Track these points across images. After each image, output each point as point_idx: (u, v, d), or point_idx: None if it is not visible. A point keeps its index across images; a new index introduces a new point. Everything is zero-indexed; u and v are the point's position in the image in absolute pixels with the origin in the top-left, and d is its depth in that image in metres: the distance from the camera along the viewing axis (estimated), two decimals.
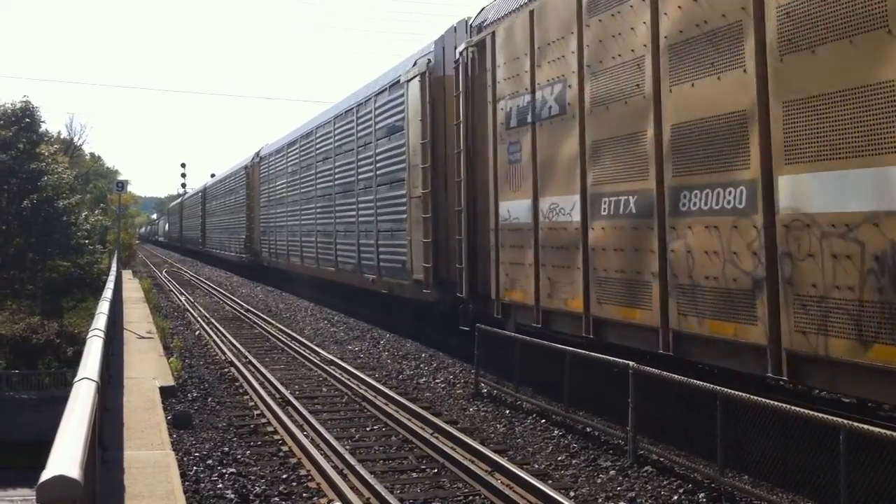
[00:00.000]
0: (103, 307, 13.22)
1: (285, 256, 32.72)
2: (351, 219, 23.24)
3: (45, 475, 3.58)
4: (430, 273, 16.96)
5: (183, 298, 32.02)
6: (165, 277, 45.22)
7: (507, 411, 12.20)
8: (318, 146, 27.70)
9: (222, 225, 51.11)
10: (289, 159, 32.34)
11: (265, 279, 38.77)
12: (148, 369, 14.51)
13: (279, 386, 13.98)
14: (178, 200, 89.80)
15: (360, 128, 22.56)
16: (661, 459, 9.26)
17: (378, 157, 20.77)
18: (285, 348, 18.99)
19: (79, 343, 26.58)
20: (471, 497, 8.52)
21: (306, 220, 29.03)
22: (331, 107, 27.44)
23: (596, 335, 11.36)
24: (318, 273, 27.91)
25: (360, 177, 22.40)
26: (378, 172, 20.77)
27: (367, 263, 21.83)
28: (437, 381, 14.68)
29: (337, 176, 25.00)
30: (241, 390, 14.38)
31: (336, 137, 25.14)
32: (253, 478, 9.23)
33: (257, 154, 40.34)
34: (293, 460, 10.01)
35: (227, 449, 10.41)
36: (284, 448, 10.58)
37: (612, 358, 10.34)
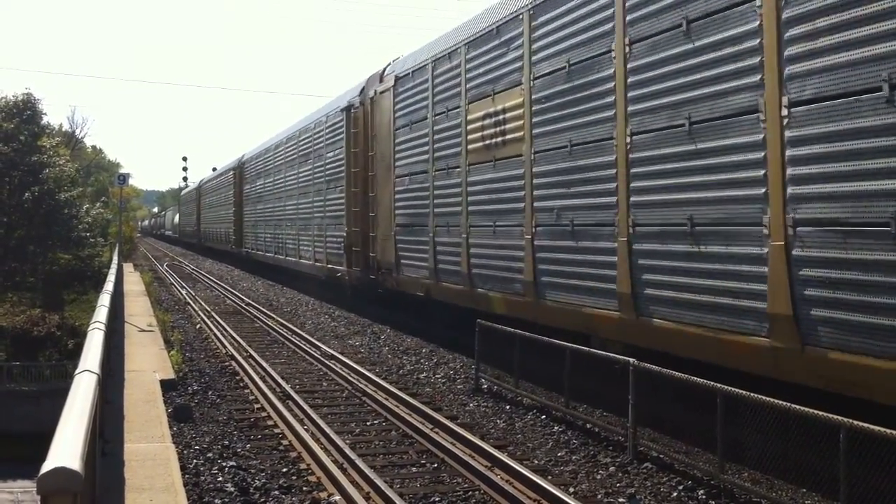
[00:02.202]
0: (104, 300, 13.24)
1: (554, 288, 12.66)
2: None
3: (46, 467, 3.59)
4: None
5: (184, 292, 32.00)
6: (166, 271, 45.22)
7: (508, 407, 12.20)
8: None
9: (282, 215, 33.11)
10: (548, 43, 12.64)
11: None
12: (149, 362, 14.52)
13: (279, 380, 13.98)
14: (195, 185, 72.66)
15: None
16: (661, 456, 9.27)
17: None
18: (286, 342, 18.98)
19: (79, 335, 26.61)
20: (470, 492, 8.52)
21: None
22: None
23: None
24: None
25: None
26: None
27: None
28: (438, 376, 14.68)
29: None
30: (241, 384, 14.38)
31: None
32: (253, 471, 9.24)
33: (380, 75, 20.95)
34: (293, 454, 10.01)
35: (227, 442, 10.42)
36: (285, 442, 10.58)
37: (612, 355, 10.34)
